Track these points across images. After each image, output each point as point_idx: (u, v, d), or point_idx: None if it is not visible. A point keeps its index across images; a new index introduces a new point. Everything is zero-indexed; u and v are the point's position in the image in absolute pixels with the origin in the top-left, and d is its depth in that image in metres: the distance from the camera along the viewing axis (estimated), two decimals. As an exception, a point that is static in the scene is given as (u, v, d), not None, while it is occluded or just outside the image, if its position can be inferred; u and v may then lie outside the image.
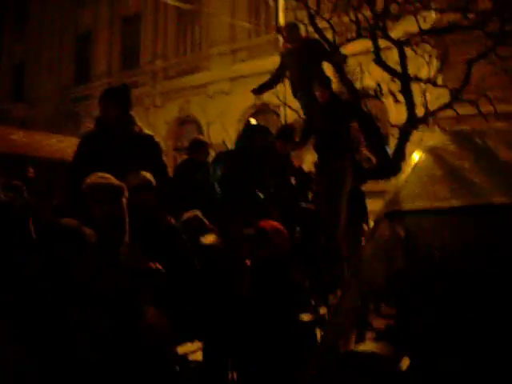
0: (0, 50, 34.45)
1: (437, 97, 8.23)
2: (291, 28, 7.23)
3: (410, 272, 2.26)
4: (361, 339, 2.25)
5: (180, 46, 26.31)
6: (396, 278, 2.26)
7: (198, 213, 5.25)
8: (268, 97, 18.47)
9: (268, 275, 3.90)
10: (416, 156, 2.76)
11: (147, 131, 5.22)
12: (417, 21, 7.47)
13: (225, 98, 23.13)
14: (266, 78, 19.61)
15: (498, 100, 8.03)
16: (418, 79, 8.03)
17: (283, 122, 13.08)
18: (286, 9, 8.67)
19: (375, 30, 7.36)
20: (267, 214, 5.77)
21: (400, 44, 7.44)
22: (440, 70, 9.51)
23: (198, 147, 7.30)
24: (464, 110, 7.85)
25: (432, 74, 10.03)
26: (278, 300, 3.72)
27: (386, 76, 7.95)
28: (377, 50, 7.46)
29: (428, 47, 8.59)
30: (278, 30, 7.34)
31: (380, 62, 7.50)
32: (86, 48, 30.17)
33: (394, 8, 7.47)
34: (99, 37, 29.34)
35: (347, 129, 7.03)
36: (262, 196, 6.21)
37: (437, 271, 2.15)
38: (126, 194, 3.67)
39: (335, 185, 6.69)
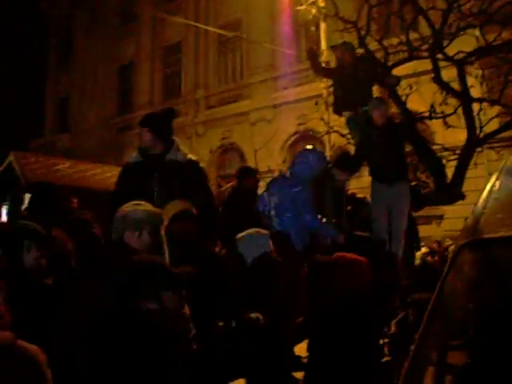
0: (46, 81, 35.23)
1: (488, 118, 7.91)
2: (346, 47, 7.03)
3: (497, 307, 2.02)
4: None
5: (221, 75, 26.47)
6: (482, 312, 2.03)
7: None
8: (311, 123, 18.46)
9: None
10: (493, 180, 2.51)
11: (192, 156, 5.07)
12: (483, 36, 7.19)
13: (267, 125, 23.11)
14: (307, 104, 19.63)
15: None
16: (479, 99, 7.74)
17: (328, 147, 12.90)
18: (333, 31, 8.48)
19: (434, 49, 7.10)
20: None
21: (459, 63, 7.16)
22: (490, 90, 9.23)
23: (247, 174, 7.40)
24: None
25: (483, 93, 9.77)
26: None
27: (438, 97, 7.68)
28: (437, 70, 7.19)
29: (476, 66, 8.33)
30: (332, 48, 7.12)
31: (440, 81, 7.22)
32: (128, 78, 30.71)
33: (452, 26, 7.22)
34: (141, 67, 29.77)
35: (404, 152, 6.81)
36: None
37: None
38: (165, 222, 3.55)
39: (399, 208, 6.44)
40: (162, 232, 3.52)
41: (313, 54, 7.38)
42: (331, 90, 13.52)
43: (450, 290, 2.15)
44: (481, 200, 2.44)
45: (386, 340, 5.75)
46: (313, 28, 18.04)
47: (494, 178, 2.56)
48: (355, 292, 3.69)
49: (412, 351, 2.10)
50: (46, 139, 32.34)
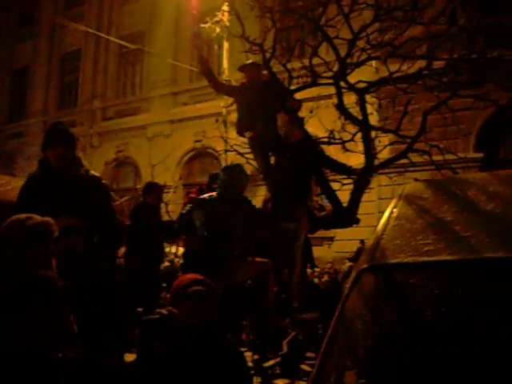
0: None
1: (382, 145, 8.22)
2: (255, 67, 7.10)
3: (392, 331, 2.06)
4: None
5: (120, 87, 26.08)
6: (379, 336, 2.06)
7: None
8: (209, 141, 18.49)
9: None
10: (392, 206, 2.60)
11: (94, 173, 4.97)
12: (387, 68, 7.47)
13: (164, 140, 22.95)
14: (206, 121, 19.69)
15: (447, 150, 8.12)
16: (379, 128, 8.04)
17: (223, 165, 12.94)
18: (240, 52, 8.53)
19: (338, 76, 7.30)
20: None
21: (361, 92, 7.39)
22: (385, 119, 9.60)
23: (152, 190, 7.67)
24: (414, 159, 7.89)
25: (378, 121, 10.13)
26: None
27: (337, 123, 7.90)
28: (340, 96, 7.39)
29: (373, 94, 8.65)
30: (241, 68, 7.15)
31: (342, 107, 7.42)
32: (22, 84, 29.52)
33: (354, 55, 7.47)
34: (37, 73, 28.79)
35: (312, 172, 6.98)
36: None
37: (426, 329, 1.97)
38: (55, 233, 3.43)
39: (294, 232, 6.55)
40: (51, 244, 3.42)
41: (209, 75, 7.32)
42: (230, 108, 13.69)
43: (350, 313, 2.18)
44: (380, 225, 2.50)
45: (277, 360, 5.82)
46: (216, 46, 18.15)
47: (392, 204, 2.64)
48: None
49: (313, 373, 2.11)
50: None
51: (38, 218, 3.43)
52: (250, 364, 5.72)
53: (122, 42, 22.04)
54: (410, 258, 2.18)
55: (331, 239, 17.14)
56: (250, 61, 7.31)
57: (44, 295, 2.64)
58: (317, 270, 12.86)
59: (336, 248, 16.81)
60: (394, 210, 2.55)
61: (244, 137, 7.18)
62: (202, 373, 3.26)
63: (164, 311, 3.33)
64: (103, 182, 5.02)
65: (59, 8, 27.90)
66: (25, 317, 2.55)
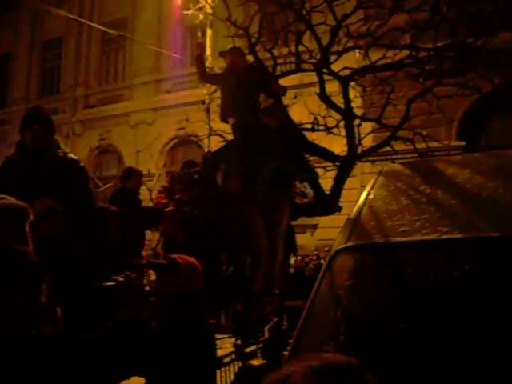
0: None
1: (365, 132, 8.23)
2: (236, 52, 7.05)
3: (366, 313, 2.07)
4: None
5: (103, 74, 25.90)
6: (352, 318, 2.07)
7: None
8: (192, 128, 18.43)
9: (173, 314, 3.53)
10: (368, 189, 2.60)
11: (72, 155, 4.93)
12: (368, 57, 7.47)
13: (147, 128, 22.85)
14: (189, 109, 19.62)
15: (430, 137, 8.15)
16: (361, 117, 8.05)
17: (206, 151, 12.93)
18: (225, 37, 8.48)
19: (321, 64, 7.28)
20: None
21: (344, 80, 7.37)
22: (370, 106, 9.61)
23: (130, 176, 7.53)
24: (397, 146, 7.91)
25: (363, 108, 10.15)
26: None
27: (321, 110, 7.89)
28: (322, 85, 7.36)
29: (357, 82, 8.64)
30: (221, 53, 7.11)
31: (324, 96, 7.40)
32: (3, 71, 29.19)
33: (339, 43, 7.46)
34: (18, 60, 28.51)
35: (294, 158, 6.97)
36: None
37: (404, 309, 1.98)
38: (31, 217, 3.38)
39: (276, 220, 6.55)
40: (27, 228, 3.38)
41: (201, 62, 7.33)
42: (213, 96, 13.65)
43: (324, 295, 2.19)
44: (356, 208, 2.51)
45: (259, 345, 5.84)
46: (199, 33, 18.03)
47: (369, 187, 2.65)
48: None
49: (287, 356, 2.12)
50: None
51: (11, 199, 3.39)
52: (232, 349, 5.75)
53: (105, 29, 21.88)
54: (385, 239, 2.19)
55: (314, 227, 17.19)
56: (231, 46, 7.27)
57: (15, 268, 2.58)
58: (298, 258, 12.90)
59: (319, 236, 16.86)
60: (371, 191, 2.55)
61: (227, 123, 7.15)
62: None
63: (120, 278, 3.31)
64: (81, 164, 4.98)
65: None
66: None
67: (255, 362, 2.71)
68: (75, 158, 4.95)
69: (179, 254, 3.69)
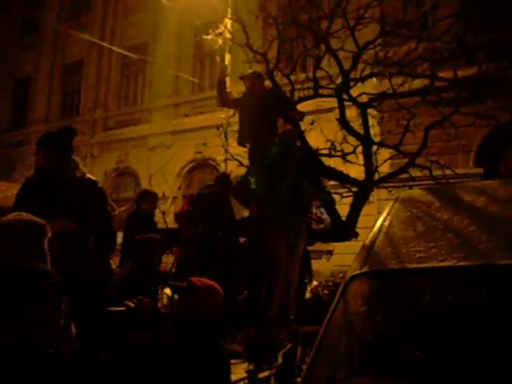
0: None
1: (383, 158, 8.22)
2: (256, 76, 7.07)
3: (381, 339, 2.05)
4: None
5: (122, 97, 26.13)
6: (367, 344, 2.05)
7: None
8: (209, 152, 18.49)
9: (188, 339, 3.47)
10: (384, 215, 2.60)
11: (90, 176, 4.95)
12: (391, 84, 7.48)
13: (165, 151, 22.93)
14: (207, 133, 19.69)
15: (448, 166, 8.13)
16: (381, 143, 8.04)
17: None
18: (243, 63, 8.53)
19: (341, 88, 7.29)
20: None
21: (363, 106, 7.39)
22: (387, 132, 9.59)
23: (146, 198, 7.59)
24: (414, 172, 7.88)
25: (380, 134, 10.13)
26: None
27: (338, 135, 7.89)
28: (342, 110, 7.37)
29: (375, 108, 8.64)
30: (242, 78, 7.13)
31: (344, 121, 7.41)
32: (25, 92, 29.60)
33: (360, 69, 7.47)
34: (39, 82, 28.87)
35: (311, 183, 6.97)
36: None
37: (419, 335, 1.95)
38: (49, 234, 3.35)
39: (293, 244, 6.53)
40: (46, 245, 3.35)
41: (222, 86, 7.37)
42: (231, 120, 13.69)
43: (338, 321, 2.17)
44: (371, 234, 2.50)
45: (273, 371, 5.79)
46: (218, 58, 18.13)
47: (385, 213, 2.64)
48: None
49: (300, 383, 2.09)
50: None
51: (28, 215, 3.37)
52: (244, 374, 5.70)
53: (126, 52, 22.09)
54: (401, 265, 2.18)
55: (330, 252, 17.09)
56: (250, 70, 7.30)
57: (37, 287, 2.56)
58: (314, 283, 12.82)
59: (335, 262, 16.76)
60: (387, 217, 2.55)
61: (245, 147, 7.16)
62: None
63: (130, 303, 3.28)
64: (99, 185, 4.98)
65: (63, 18, 28.00)
66: (12, 308, 2.47)
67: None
68: (93, 178, 4.96)
69: (199, 277, 3.66)
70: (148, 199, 7.62)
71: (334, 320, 2.16)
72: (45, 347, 2.49)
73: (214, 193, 7.03)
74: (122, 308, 3.21)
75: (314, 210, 7.74)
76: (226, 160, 11.47)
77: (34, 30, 29.26)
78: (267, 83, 7.39)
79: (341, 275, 13.39)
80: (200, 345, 3.32)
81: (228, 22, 13.81)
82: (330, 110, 8.91)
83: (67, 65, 28.17)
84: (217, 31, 17.24)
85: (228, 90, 7.62)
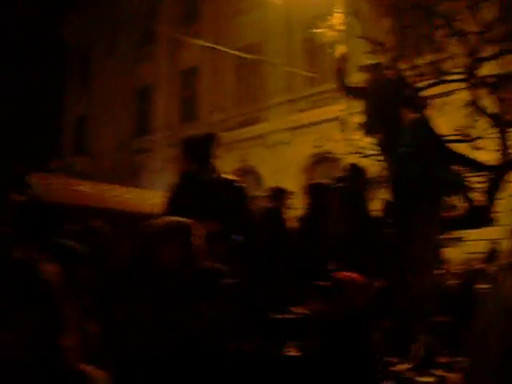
0: (64, 104, 35.56)
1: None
2: (379, 66, 6.99)
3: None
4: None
5: (238, 97, 26.53)
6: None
7: None
8: (328, 145, 18.41)
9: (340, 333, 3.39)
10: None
11: (228, 176, 5.11)
12: None
13: (284, 148, 23.10)
14: (324, 126, 19.59)
15: None
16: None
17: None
18: (362, 53, 8.41)
19: (471, 72, 7.02)
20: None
21: (494, 86, 7.09)
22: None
23: (279, 195, 7.63)
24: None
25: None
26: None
27: (466, 120, 7.60)
28: (474, 95, 7.12)
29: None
30: (362, 68, 7.05)
31: (477, 106, 7.15)
32: (145, 101, 30.89)
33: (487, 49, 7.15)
34: (158, 90, 29.99)
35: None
36: None
37: None
38: (198, 233, 3.39)
39: (426, 235, 6.40)
40: (198, 242, 3.34)
41: (342, 75, 7.29)
42: (351, 111, 13.55)
43: (489, 315, 2.09)
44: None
45: (410, 364, 5.69)
46: (330, 50, 18.07)
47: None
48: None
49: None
50: (63, 161, 32.42)
51: (173, 217, 3.49)
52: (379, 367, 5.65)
53: (240, 54, 22.39)
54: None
55: (459, 239, 16.54)
56: (369, 61, 7.19)
57: (213, 288, 2.63)
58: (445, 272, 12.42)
59: (465, 249, 16.20)
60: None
61: (373, 137, 7.07)
62: None
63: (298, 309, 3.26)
64: (237, 184, 5.09)
65: (176, 25, 28.80)
66: (190, 308, 2.53)
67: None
68: (229, 177, 5.08)
69: (345, 272, 3.64)
70: (282, 197, 7.61)
71: (482, 313, 2.09)
72: (223, 344, 2.57)
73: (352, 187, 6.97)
74: (292, 316, 3.28)
75: (446, 198, 7.54)
76: (351, 153, 11.34)
77: (150, 41, 30.36)
78: (389, 72, 7.26)
79: (472, 263, 12.92)
80: (347, 344, 3.30)
81: (338, 15, 13.70)
82: (451, 93, 8.60)
83: (183, 71, 29.05)
84: (326, 24, 17.18)
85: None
